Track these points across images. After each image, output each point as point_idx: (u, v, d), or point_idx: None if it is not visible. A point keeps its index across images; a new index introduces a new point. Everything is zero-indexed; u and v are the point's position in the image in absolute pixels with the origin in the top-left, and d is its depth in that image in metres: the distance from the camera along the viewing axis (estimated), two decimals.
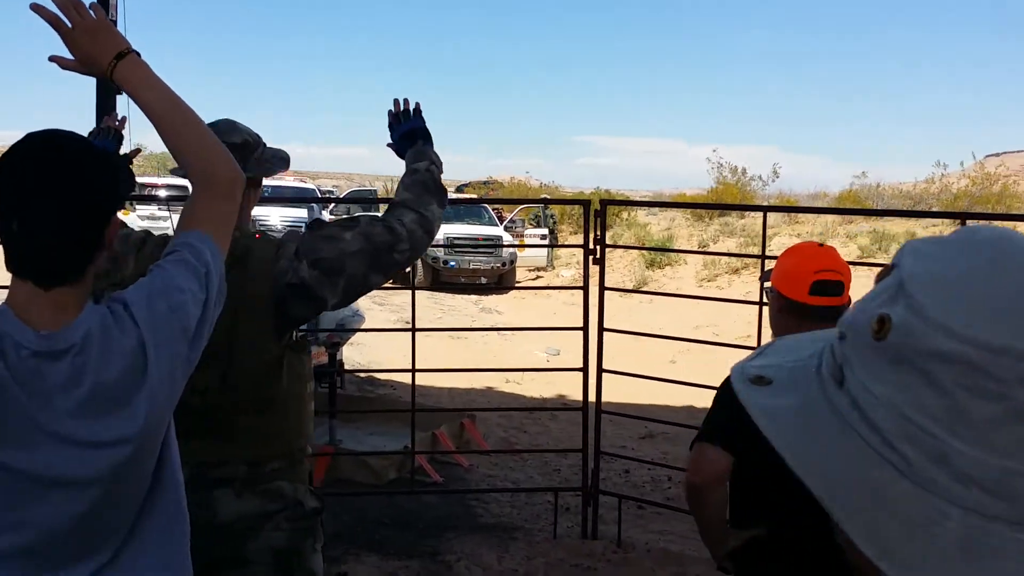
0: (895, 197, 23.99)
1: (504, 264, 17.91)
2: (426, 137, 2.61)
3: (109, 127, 2.69)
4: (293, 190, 20.76)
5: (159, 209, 16.44)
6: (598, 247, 4.93)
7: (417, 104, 2.65)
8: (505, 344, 11.50)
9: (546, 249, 18.43)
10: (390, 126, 2.63)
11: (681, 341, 7.29)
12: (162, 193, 16.80)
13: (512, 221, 20.00)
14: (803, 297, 2.24)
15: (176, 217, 1.99)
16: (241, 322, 2.19)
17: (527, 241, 17.95)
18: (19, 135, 1.40)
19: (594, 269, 4.97)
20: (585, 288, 5.03)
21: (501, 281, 18.09)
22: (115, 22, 6.19)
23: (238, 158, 2.28)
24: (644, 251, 16.87)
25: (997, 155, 30.84)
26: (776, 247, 15.99)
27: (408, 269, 4.46)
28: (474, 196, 26.27)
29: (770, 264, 5.43)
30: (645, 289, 15.24)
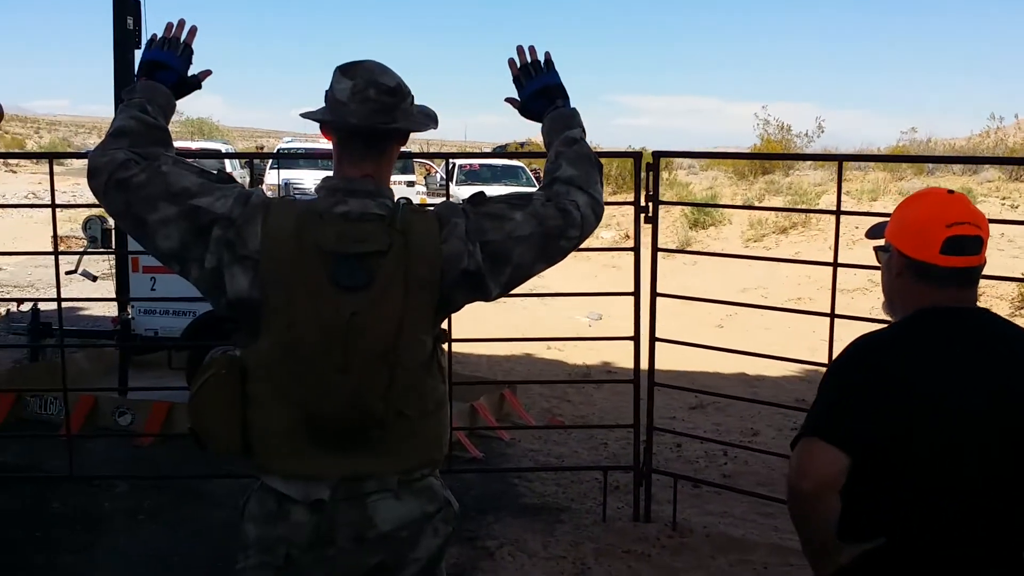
0: (947, 152, 23.10)
1: None
2: (564, 95, 2.24)
3: (177, 38, 2.14)
4: (329, 151, 20.19)
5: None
6: (650, 204, 4.48)
7: (547, 54, 2.25)
8: (545, 308, 11.09)
9: None
10: (515, 79, 2.26)
11: (737, 306, 6.88)
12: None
13: None
14: (933, 257, 1.80)
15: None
16: (408, 313, 1.82)
17: None
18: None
19: (645, 228, 4.52)
20: (636, 249, 4.56)
21: None
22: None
23: (388, 104, 1.90)
24: (691, 210, 16.22)
25: None
26: (824, 205, 15.38)
27: None
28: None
29: (847, 221, 4.93)
30: (691, 249, 14.69)
